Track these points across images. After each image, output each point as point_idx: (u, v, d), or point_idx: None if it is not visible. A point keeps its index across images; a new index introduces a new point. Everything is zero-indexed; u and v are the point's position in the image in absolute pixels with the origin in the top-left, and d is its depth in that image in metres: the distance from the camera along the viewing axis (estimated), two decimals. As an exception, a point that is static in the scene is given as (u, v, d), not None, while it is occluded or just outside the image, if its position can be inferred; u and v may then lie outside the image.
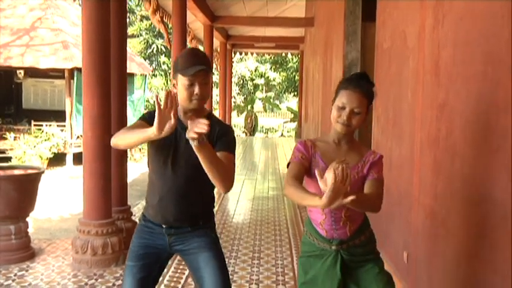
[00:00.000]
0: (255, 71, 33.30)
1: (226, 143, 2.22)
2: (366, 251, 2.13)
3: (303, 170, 2.04)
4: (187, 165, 2.24)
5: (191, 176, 2.27)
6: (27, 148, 11.62)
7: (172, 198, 2.30)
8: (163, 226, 2.35)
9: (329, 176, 1.64)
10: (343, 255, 2.08)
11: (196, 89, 2.20)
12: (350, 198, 1.62)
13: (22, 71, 13.32)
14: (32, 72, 13.44)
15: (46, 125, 12.53)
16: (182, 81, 2.20)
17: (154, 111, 2.15)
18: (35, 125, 12.84)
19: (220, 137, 2.23)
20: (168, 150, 2.27)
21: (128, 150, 5.69)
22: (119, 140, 2.17)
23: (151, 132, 1.91)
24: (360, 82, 2.03)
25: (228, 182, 2.09)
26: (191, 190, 2.31)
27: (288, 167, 2.09)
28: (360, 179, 2.03)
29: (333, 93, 2.11)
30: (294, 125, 22.86)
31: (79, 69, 10.70)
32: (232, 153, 2.21)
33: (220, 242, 2.47)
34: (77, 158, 11.60)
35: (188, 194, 2.31)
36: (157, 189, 2.33)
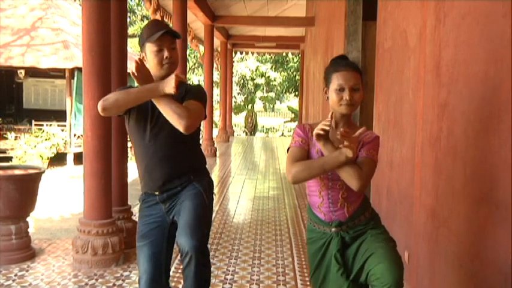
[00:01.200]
0: (256, 70, 33.29)
1: (192, 93, 2.36)
2: (368, 225, 2.13)
3: (304, 153, 2.07)
4: (166, 127, 2.31)
5: (172, 137, 2.34)
6: (27, 148, 11.62)
7: (157, 161, 2.37)
8: (156, 193, 2.41)
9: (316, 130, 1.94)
10: (343, 236, 2.10)
11: (166, 53, 2.32)
12: (362, 129, 1.97)
13: (23, 71, 13.32)
14: (33, 72, 13.44)
15: (47, 125, 12.54)
16: (151, 48, 2.32)
17: (129, 86, 2.35)
18: (35, 124, 12.84)
19: (189, 91, 2.38)
20: (146, 116, 2.36)
21: (129, 149, 5.70)
22: (114, 102, 2.25)
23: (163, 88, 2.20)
24: (348, 61, 2.12)
25: (184, 120, 2.18)
26: (173, 150, 2.39)
27: (287, 152, 2.12)
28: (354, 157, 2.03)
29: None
30: (295, 124, 22.87)
31: (79, 69, 10.72)
32: (196, 99, 2.32)
33: (210, 195, 2.50)
34: (78, 158, 11.60)
35: (172, 154, 2.39)
36: (142, 158, 2.40)
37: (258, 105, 28.50)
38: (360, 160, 2.00)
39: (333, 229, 2.10)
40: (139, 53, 2.43)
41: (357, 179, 1.93)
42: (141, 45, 2.37)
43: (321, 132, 1.93)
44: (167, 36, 2.30)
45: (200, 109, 2.30)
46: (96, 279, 3.86)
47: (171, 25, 9.48)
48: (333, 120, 2.09)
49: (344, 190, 2.07)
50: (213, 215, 3.94)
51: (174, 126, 2.23)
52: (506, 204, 1.89)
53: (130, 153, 7.52)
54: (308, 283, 3.82)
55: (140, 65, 2.28)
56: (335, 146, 1.98)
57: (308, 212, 2.22)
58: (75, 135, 12.46)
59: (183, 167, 2.42)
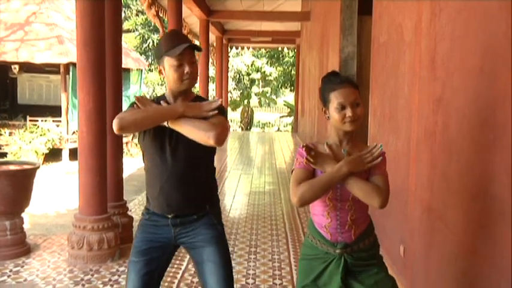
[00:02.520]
0: (251, 65, 33.22)
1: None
2: (370, 255, 2.10)
3: (309, 174, 2.01)
4: (185, 148, 2.21)
5: (190, 160, 2.24)
6: (22, 144, 11.58)
7: (174, 184, 2.25)
8: (169, 216, 2.30)
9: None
10: (346, 259, 2.05)
11: (187, 68, 2.19)
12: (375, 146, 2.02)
13: (17, 66, 13.23)
14: (27, 67, 13.36)
15: (42, 121, 12.48)
16: (170, 62, 2.18)
17: (133, 103, 2.26)
18: (30, 120, 12.78)
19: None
20: (164, 136, 2.24)
21: (124, 145, 5.67)
22: (132, 122, 2.14)
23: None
24: (342, 77, 2.06)
25: (212, 132, 2.08)
26: (192, 173, 2.27)
27: (291, 173, 2.06)
28: (364, 177, 2.02)
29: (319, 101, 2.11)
30: (291, 119, 22.87)
31: (74, 64, 10.65)
32: (219, 115, 2.20)
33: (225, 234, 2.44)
34: (73, 154, 11.57)
35: (189, 178, 2.27)
36: (157, 178, 2.28)
37: (254, 100, 28.46)
38: (373, 178, 2.00)
39: (338, 250, 2.05)
40: (157, 66, 2.30)
41: (376, 196, 1.93)
42: (159, 57, 2.23)
43: (311, 160, 1.95)
44: (188, 50, 2.18)
45: (224, 121, 2.19)
46: (92, 275, 3.86)
47: (165, 20, 9.45)
48: (337, 139, 2.07)
49: (353, 212, 2.03)
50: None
51: (193, 148, 2.13)
52: (501, 198, 1.89)
53: (126, 149, 7.50)
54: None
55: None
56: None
57: (311, 229, 2.16)
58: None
59: (200, 191, 2.31)
